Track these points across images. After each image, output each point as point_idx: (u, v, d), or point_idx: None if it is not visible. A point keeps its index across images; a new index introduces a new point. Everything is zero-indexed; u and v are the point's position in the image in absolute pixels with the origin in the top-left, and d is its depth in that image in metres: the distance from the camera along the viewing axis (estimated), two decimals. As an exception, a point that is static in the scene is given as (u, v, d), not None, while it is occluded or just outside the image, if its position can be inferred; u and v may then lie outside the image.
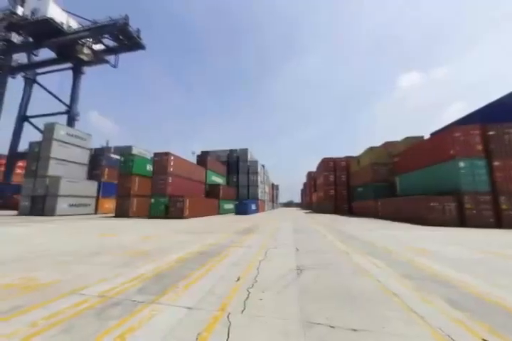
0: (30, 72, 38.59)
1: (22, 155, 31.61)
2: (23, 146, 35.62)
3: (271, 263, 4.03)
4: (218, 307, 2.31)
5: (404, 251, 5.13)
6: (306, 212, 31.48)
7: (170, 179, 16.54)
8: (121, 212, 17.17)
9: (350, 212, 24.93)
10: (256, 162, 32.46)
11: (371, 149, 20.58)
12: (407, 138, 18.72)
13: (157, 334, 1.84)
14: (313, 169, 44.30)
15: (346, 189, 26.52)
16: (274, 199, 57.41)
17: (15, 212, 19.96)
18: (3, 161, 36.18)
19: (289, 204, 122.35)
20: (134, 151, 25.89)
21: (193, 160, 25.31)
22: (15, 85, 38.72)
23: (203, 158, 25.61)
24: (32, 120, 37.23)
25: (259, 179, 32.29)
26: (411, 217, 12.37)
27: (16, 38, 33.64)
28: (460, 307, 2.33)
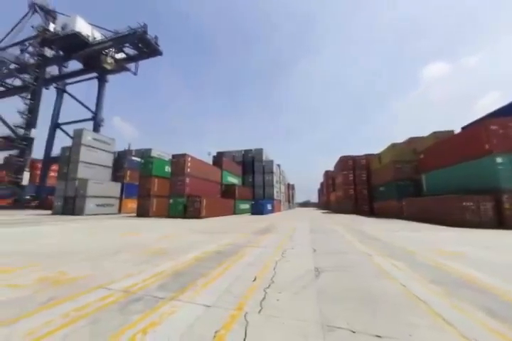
0: (60, 82, 41.84)
1: (55, 160, 34.32)
2: (55, 151, 38.73)
3: (288, 263, 3.97)
4: (235, 307, 2.31)
5: (431, 253, 4.79)
6: (324, 212, 30.71)
7: (187, 180, 17.01)
8: (142, 212, 17.98)
9: (372, 212, 23.83)
10: (271, 162, 32.33)
11: (393, 146, 19.43)
12: (435, 132, 17.21)
13: (177, 330, 1.88)
14: (330, 168, 43.29)
15: (367, 188, 25.27)
16: (290, 199, 56.75)
17: (49, 212, 21.75)
18: (39, 165, 39.57)
19: (305, 204, 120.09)
20: (153, 154, 27.07)
21: (209, 161, 25.86)
22: (48, 95, 42.29)
23: (218, 159, 26.05)
24: (63, 127, 40.38)
25: (275, 179, 32.10)
26: (440, 218, 11.53)
27: (48, 52, 36.71)
28: (499, 316, 2.12)
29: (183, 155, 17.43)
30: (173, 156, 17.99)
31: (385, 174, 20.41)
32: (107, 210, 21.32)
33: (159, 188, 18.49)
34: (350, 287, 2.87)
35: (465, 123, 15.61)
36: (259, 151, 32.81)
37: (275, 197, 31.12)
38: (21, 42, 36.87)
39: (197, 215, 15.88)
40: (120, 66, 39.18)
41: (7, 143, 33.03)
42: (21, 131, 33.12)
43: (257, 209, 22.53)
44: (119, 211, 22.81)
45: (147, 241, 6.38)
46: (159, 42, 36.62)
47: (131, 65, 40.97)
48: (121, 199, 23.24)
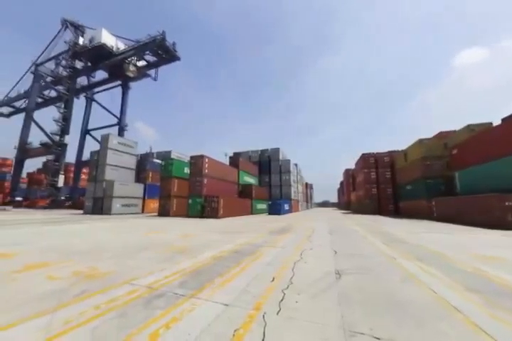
0: (89, 92, 45.18)
1: (85, 163, 37.14)
2: (86, 155, 41.89)
3: (306, 265, 3.89)
4: (253, 306, 2.31)
5: (467, 258, 4.39)
6: (344, 213, 29.67)
7: (205, 180, 17.42)
8: (163, 212, 18.74)
9: (397, 212, 22.47)
10: (288, 161, 31.95)
11: (421, 141, 18.04)
12: (469, 126, 15.31)
13: (197, 327, 1.93)
14: (350, 166, 41.77)
15: (391, 187, 23.85)
16: (308, 199, 55.67)
17: (81, 211, 23.57)
18: (72, 168, 43.06)
19: (324, 204, 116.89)
20: (173, 155, 28.16)
21: (226, 161, 26.29)
22: (78, 104, 45.80)
23: (235, 159, 26.35)
24: (92, 132, 43.56)
25: (292, 178, 31.68)
26: (476, 219, 10.57)
27: (78, 64, 39.82)
28: (548, 330, 1.88)
29: (201, 157, 17.89)
30: (191, 158, 18.54)
31: (411, 172, 19.13)
32: (132, 210, 22.56)
33: (179, 189, 19.15)
34: (374, 291, 2.73)
35: (506, 115, 14.01)
36: (276, 151, 32.62)
37: (292, 196, 30.72)
38: (56, 57, 40.39)
39: (214, 215, 16.20)
40: (141, 73, 41.30)
41: (45, 149, 36.38)
42: (57, 138, 36.28)
43: (274, 209, 22.42)
44: (142, 211, 24.01)
45: (169, 239, 6.64)
46: (177, 48, 37.99)
47: (152, 72, 43.03)
48: (144, 199, 24.46)
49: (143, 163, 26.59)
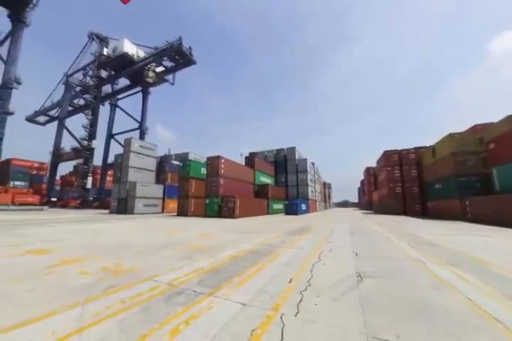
0: (113, 99, 48.07)
1: (110, 166, 39.54)
2: (111, 158, 44.62)
3: (326, 266, 3.78)
4: (271, 307, 2.29)
5: (508, 263, 3.99)
6: (366, 213, 28.45)
7: (221, 181, 17.70)
8: (181, 212, 19.32)
9: (425, 212, 21.04)
10: (305, 160, 31.39)
11: (451, 136, 16.52)
12: (510, 116, 14.06)
13: (215, 325, 1.96)
14: (371, 165, 40.07)
15: (418, 186, 22.34)
16: (326, 198, 54.27)
17: (107, 211, 25.14)
18: (99, 171, 46.06)
19: (344, 204, 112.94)
20: (190, 157, 28.98)
21: (242, 161, 26.50)
22: (103, 110, 48.93)
23: (250, 159, 26.45)
24: (116, 137, 46.29)
25: (309, 177, 31.04)
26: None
27: (103, 73, 42.59)
28: None
29: (217, 157, 18.21)
30: (208, 158, 18.95)
31: (441, 169, 17.74)
32: (152, 210, 23.59)
33: (196, 189, 19.66)
34: (400, 297, 2.58)
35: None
36: (292, 150, 32.22)
37: (310, 196, 30.11)
38: (84, 68, 43.58)
39: (231, 215, 16.39)
40: (160, 78, 43.07)
41: (75, 153, 39.37)
42: (85, 143, 39.07)
43: (291, 209, 22.15)
44: (162, 210, 25.00)
45: (188, 238, 6.83)
46: (193, 51, 39.08)
47: (169, 77, 44.70)
48: (163, 199, 25.45)
49: (162, 165, 27.70)
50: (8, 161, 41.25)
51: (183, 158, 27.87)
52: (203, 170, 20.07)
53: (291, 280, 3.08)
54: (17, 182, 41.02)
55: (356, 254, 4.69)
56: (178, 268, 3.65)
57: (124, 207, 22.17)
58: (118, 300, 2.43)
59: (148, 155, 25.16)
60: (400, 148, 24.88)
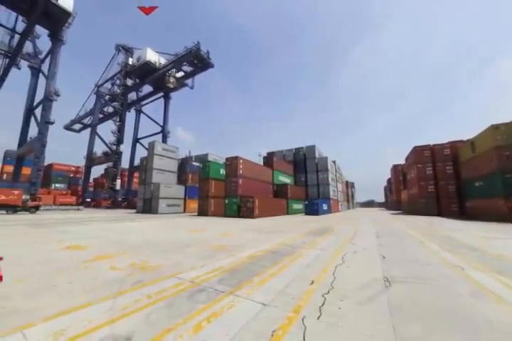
0: (138, 105, 51.09)
1: (136, 168, 42.06)
2: (137, 161, 47.42)
3: (349, 269, 3.62)
4: (292, 309, 2.25)
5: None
6: (393, 213, 26.72)
7: (240, 181, 17.88)
8: (202, 212, 19.85)
9: (463, 213, 19.23)
10: (325, 159, 30.43)
11: (495, 127, 14.68)
12: None
13: (236, 324, 1.97)
14: (399, 162, 37.66)
15: (454, 184, 20.47)
16: (349, 198, 52.11)
17: (134, 211, 26.76)
18: (126, 173, 49.23)
19: (369, 204, 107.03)
20: (210, 158, 29.71)
21: (260, 162, 26.53)
22: (129, 116, 52.23)
23: (269, 159, 26.39)
24: (141, 141, 49.13)
25: (330, 176, 30.01)
26: None
27: (129, 81, 45.50)
28: None
29: (236, 158, 18.43)
30: (227, 159, 19.27)
31: (482, 164, 15.95)
32: (175, 210, 24.59)
33: (216, 189, 20.08)
34: (434, 305, 2.37)
35: None
36: (311, 148, 31.45)
37: (331, 196, 29.12)
38: (112, 78, 46.97)
39: (250, 215, 16.47)
40: (180, 83, 44.84)
41: (106, 157, 42.55)
42: (114, 147, 42.04)
43: (312, 209, 21.64)
44: (184, 210, 25.94)
45: (209, 237, 7.00)
46: (210, 55, 40.12)
47: (189, 81, 46.35)
48: (185, 200, 26.42)
49: (183, 166, 28.77)
50: (50, 166, 45.95)
51: (203, 159, 28.67)
52: (222, 171, 20.45)
53: (312, 282, 2.99)
54: (57, 185, 45.58)
55: (383, 257, 4.42)
56: (200, 266, 3.74)
57: (149, 207, 23.43)
58: (145, 295, 2.55)
59: (171, 158, 26.33)
60: (431, 143, 23.00)
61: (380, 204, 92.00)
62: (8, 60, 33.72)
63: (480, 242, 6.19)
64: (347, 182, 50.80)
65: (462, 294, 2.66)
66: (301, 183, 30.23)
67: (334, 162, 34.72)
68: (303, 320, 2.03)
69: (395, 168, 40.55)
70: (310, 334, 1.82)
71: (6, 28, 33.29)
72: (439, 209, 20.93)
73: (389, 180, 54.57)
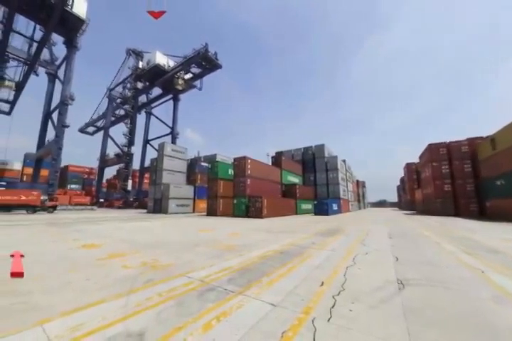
0: (148, 107, 52.33)
1: (147, 169, 43.07)
2: (147, 162, 48.47)
3: (361, 271, 3.54)
4: (302, 310, 2.22)
5: None
6: (407, 214, 25.85)
7: (248, 181, 17.91)
8: (211, 212, 19.99)
9: (483, 213, 18.34)
10: (335, 158, 29.90)
11: None
12: None
13: (245, 323, 1.96)
14: (412, 160, 36.49)
15: (473, 182, 19.57)
16: (360, 198, 51.01)
17: (145, 211, 27.40)
18: (137, 174, 50.52)
19: (381, 204, 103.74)
20: (218, 158, 29.97)
21: (268, 161, 26.47)
22: (139, 119, 53.55)
23: (277, 159, 26.22)
24: (151, 142, 50.28)
25: (340, 176, 29.45)
26: None
27: (139, 84, 46.69)
28: None
29: (243, 158, 18.48)
30: (235, 159, 19.35)
31: (504, 162, 15.07)
32: (184, 210, 24.96)
33: (224, 190, 20.18)
34: (452, 309, 2.27)
35: None
36: (320, 147, 31.01)
37: (341, 195, 28.58)
38: (123, 81, 48.36)
39: (258, 215, 16.46)
40: (189, 85, 45.55)
41: (118, 159, 43.86)
42: (125, 149, 43.26)
43: (321, 209, 21.35)
44: (193, 210, 26.28)
45: (218, 237, 7.05)
46: (218, 56, 40.50)
47: (197, 82, 46.98)
48: (194, 200, 26.76)
49: (192, 167, 29.16)
50: (66, 167, 47.93)
51: (211, 159, 28.95)
52: (230, 171, 20.55)
53: (322, 284, 2.94)
54: (73, 186, 47.44)
55: (397, 259, 4.29)
56: (209, 266, 3.77)
57: (159, 207, 23.92)
58: (156, 293, 2.60)
59: (180, 158, 26.76)
60: (447, 140, 22.06)
61: (392, 204, 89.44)
62: (27, 67, 35.44)
63: (502, 244, 5.87)
64: (358, 181, 49.74)
65: (482, 298, 2.53)
66: (310, 183, 29.88)
67: (344, 161, 34.07)
68: (313, 321, 2.00)
69: (409, 167, 39.25)
70: (320, 336, 1.79)
71: (26, 36, 35.06)
72: (457, 210, 20.04)
73: (402, 179, 52.95)
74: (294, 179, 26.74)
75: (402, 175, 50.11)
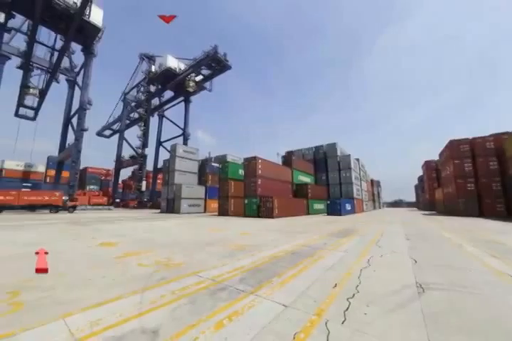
0: (160, 110, 53.75)
1: (160, 170, 44.24)
2: (160, 163, 49.74)
3: (376, 273, 3.42)
4: (314, 312, 2.18)
5: None
6: (426, 214, 24.63)
7: (259, 181, 17.90)
8: (222, 211, 20.16)
9: (511, 214, 17.36)
10: (348, 156, 29.11)
11: None
12: None
13: (257, 323, 1.96)
14: (431, 158, 34.92)
15: (500, 181, 18.38)
16: (375, 197, 49.41)
17: (158, 210, 28.15)
18: (151, 175, 52.04)
19: (397, 204, 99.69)
20: (228, 159, 30.25)
21: (279, 161, 26.32)
22: (152, 121, 55.10)
23: (287, 158, 26.03)
24: (164, 144, 51.62)
25: (354, 175, 28.64)
26: None
27: (152, 88, 48.10)
28: None
29: (254, 158, 18.49)
30: (245, 160, 19.41)
31: None
32: (196, 210, 25.37)
33: (235, 190, 20.30)
34: (477, 316, 2.14)
35: None
36: (332, 146, 30.38)
37: (355, 195, 27.80)
38: (137, 85, 50.03)
39: (269, 215, 16.41)
40: (199, 87, 46.33)
41: (133, 160, 45.44)
42: (139, 151, 44.70)
43: (334, 209, 20.91)
44: (204, 210, 26.65)
45: (230, 237, 7.10)
46: (227, 57, 40.84)
47: (207, 84, 47.67)
48: (205, 200, 27.14)
49: (203, 167, 29.61)
50: (84, 169, 50.35)
51: (222, 160, 29.24)
52: (241, 171, 20.62)
53: (335, 286, 2.88)
54: (91, 186, 49.74)
55: (415, 261, 4.10)
56: (221, 265, 3.80)
57: (171, 207, 24.50)
58: (169, 291, 2.66)
59: (191, 159, 27.25)
60: (470, 136, 20.72)
61: (410, 204, 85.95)
62: (49, 75, 37.59)
63: (531, 247, 5.46)
64: (372, 180, 48.23)
65: (511, 304, 2.36)
66: (321, 182, 29.36)
67: (358, 160, 33.19)
68: (326, 323, 1.96)
69: (428, 165, 37.37)
70: (334, 338, 1.74)
71: (47, 46, 37.24)
72: (481, 210, 18.85)
73: (420, 178, 50.68)
74: (306, 178, 26.39)
75: (420, 174, 47.99)
